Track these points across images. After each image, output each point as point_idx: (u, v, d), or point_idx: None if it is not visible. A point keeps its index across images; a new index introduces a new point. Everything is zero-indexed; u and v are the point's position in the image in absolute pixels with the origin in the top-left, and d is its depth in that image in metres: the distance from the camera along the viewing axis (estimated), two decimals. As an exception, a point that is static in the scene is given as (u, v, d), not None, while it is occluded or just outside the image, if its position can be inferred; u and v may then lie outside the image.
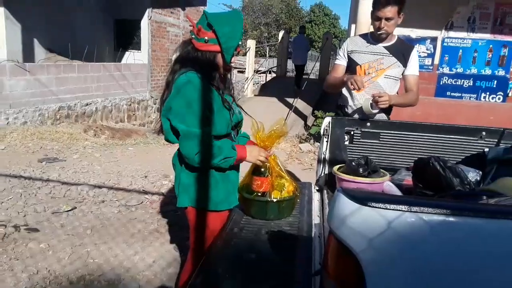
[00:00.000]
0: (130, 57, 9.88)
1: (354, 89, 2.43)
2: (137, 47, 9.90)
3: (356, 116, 2.66)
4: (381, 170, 2.18)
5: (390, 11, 2.44)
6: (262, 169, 1.84)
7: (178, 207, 1.81)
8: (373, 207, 0.94)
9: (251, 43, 12.56)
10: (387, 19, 2.46)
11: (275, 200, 1.83)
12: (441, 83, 6.50)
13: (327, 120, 2.53)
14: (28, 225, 3.13)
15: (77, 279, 2.49)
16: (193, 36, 1.70)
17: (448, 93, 6.51)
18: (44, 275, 2.49)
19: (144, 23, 9.67)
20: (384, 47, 2.60)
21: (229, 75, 1.88)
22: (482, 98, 6.49)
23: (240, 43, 1.72)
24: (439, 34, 6.40)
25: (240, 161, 1.78)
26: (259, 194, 1.83)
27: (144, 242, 3.01)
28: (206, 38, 1.66)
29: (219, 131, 1.71)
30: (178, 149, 1.79)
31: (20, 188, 3.87)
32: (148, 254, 2.84)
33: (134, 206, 3.68)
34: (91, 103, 7.94)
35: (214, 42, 1.67)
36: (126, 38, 9.93)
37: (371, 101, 2.47)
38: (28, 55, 7.79)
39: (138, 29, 9.73)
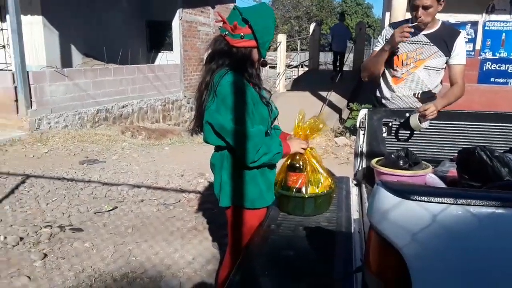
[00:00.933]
0: (163, 58, 10.07)
1: (405, 37, 2.28)
2: (169, 47, 10.08)
3: (393, 106, 2.56)
4: (423, 162, 2.09)
5: None
6: (298, 165, 1.81)
7: (221, 206, 1.82)
8: (416, 200, 0.90)
9: (281, 38, 12.46)
10: (425, 7, 2.28)
11: (311, 195, 1.80)
12: (484, 69, 6.19)
13: (363, 112, 2.46)
14: (72, 225, 3.25)
15: (120, 276, 2.56)
16: (226, 33, 1.67)
17: (492, 79, 6.19)
18: (89, 273, 2.58)
19: (175, 23, 9.83)
20: (425, 35, 2.42)
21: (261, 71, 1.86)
22: (529, 83, 6.13)
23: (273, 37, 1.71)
24: (480, 18, 6.09)
25: (285, 156, 1.76)
26: (295, 190, 1.81)
27: (183, 239, 3.06)
28: (242, 34, 1.63)
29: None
30: (218, 150, 1.79)
31: (64, 189, 4.03)
32: (188, 251, 2.88)
33: (172, 204, 3.75)
34: (127, 105, 8.17)
35: (250, 37, 1.64)
36: (158, 39, 10.14)
37: (418, 116, 2.29)
38: (66, 61, 8.11)
39: (170, 29, 9.91)
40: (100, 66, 7.95)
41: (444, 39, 2.41)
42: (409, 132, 2.41)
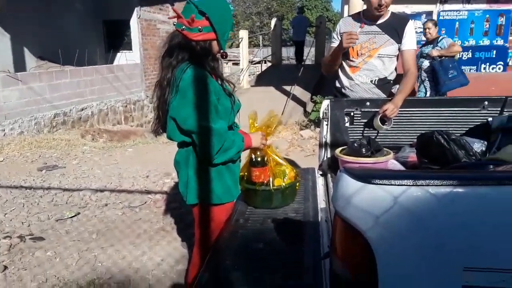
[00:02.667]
0: (122, 58, 9.80)
1: (351, 42, 2.37)
2: (128, 47, 9.82)
3: (354, 94, 2.62)
4: (385, 149, 2.14)
5: None
6: (259, 159, 1.80)
7: (188, 204, 1.78)
8: (378, 184, 0.92)
9: (243, 34, 12.42)
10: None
11: (278, 188, 1.80)
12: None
13: (326, 103, 2.49)
14: (33, 234, 3.10)
15: (86, 284, 2.47)
16: (183, 27, 1.63)
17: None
18: (53, 282, 2.48)
19: (134, 22, 9.58)
20: (377, 25, 2.53)
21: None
22: (482, 69, 6.42)
23: (232, 25, 1.69)
24: (435, 8, 6.33)
25: (246, 149, 1.75)
26: (261, 184, 1.80)
27: (151, 241, 2.99)
28: (200, 27, 1.60)
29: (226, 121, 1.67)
30: (182, 146, 1.75)
31: (22, 198, 3.84)
32: (156, 253, 2.82)
33: (138, 206, 3.66)
34: (86, 108, 7.90)
35: (209, 30, 1.62)
36: (117, 39, 9.85)
37: (379, 117, 2.37)
38: (20, 65, 7.74)
39: (128, 28, 9.65)
40: (56, 69, 7.63)
41: (395, 27, 2.52)
42: (370, 120, 2.47)
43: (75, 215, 3.45)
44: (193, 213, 1.83)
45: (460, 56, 6.33)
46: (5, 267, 2.61)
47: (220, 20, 1.63)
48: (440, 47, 5.00)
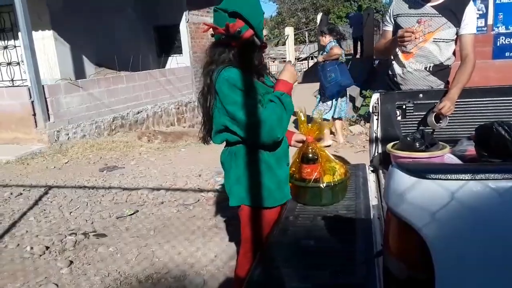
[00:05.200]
0: (173, 61, 10.12)
1: (405, 43, 2.28)
2: (179, 50, 10.12)
3: (407, 87, 2.51)
4: (440, 142, 2.05)
5: None
6: (311, 155, 1.79)
7: (230, 206, 1.79)
8: (432, 178, 0.88)
9: (289, 31, 12.40)
10: None
11: (328, 184, 1.78)
12: (498, 44, 6.00)
13: (375, 96, 2.42)
14: (96, 231, 3.31)
15: (145, 278, 2.59)
16: (222, 37, 1.65)
17: (507, 53, 6.00)
18: (115, 276, 2.62)
19: (183, 26, 9.86)
20: (433, 6, 2.36)
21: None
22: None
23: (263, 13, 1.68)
24: (491, -10, 5.91)
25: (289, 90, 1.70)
26: (311, 181, 1.79)
27: (204, 238, 3.08)
28: (238, 29, 1.60)
29: None
30: (226, 145, 1.79)
31: (86, 197, 4.10)
32: (210, 249, 2.90)
33: (192, 204, 3.77)
34: (142, 111, 8.25)
35: (246, 28, 1.62)
36: (168, 43, 10.18)
37: (434, 115, 2.27)
38: (80, 72, 8.23)
39: (178, 33, 9.94)
40: (113, 75, 8.04)
41: (452, 10, 2.33)
42: (423, 114, 2.37)
43: (134, 213, 3.63)
44: (239, 214, 1.83)
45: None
46: (71, 262, 2.81)
47: (252, 12, 1.61)
48: (326, 52, 5.34)
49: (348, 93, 5.82)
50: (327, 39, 5.40)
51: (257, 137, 1.60)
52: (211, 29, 1.68)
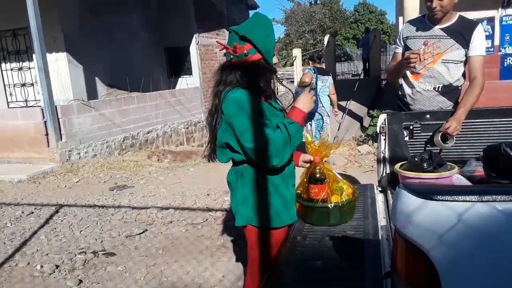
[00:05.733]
0: (183, 82, 10.30)
1: (411, 64, 2.30)
2: (189, 72, 10.30)
3: (416, 107, 2.53)
4: (448, 163, 2.05)
5: None
6: (318, 176, 1.80)
7: (236, 226, 1.79)
8: (440, 200, 0.89)
9: (297, 52, 12.56)
10: None
11: (336, 204, 1.79)
12: (505, 65, 6.04)
13: (383, 117, 2.45)
14: (105, 250, 3.32)
15: (153, 298, 2.59)
16: (231, 57, 1.69)
17: (515, 74, 6.02)
18: (124, 296, 2.63)
19: (193, 48, 10.07)
20: (441, 28, 2.40)
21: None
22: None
23: (276, 41, 1.71)
24: (496, 13, 5.97)
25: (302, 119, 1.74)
26: (318, 201, 1.80)
27: (212, 258, 3.08)
28: (245, 51, 1.65)
29: None
30: (232, 165, 1.82)
31: (96, 216, 4.13)
32: (218, 269, 2.89)
33: (200, 223, 3.78)
34: (152, 130, 8.35)
35: (254, 52, 1.66)
36: (178, 65, 10.38)
37: (441, 135, 2.28)
38: (92, 93, 8.40)
39: (188, 54, 10.14)
40: (124, 95, 8.19)
41: (461, 32, 2.37)
42: (431, 133, 2.38)
43: (143, 232, 3.64)
44: (245, 234, 1.83)
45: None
46: (80, 281, 2.82)
47: (262, 39, 1.66)
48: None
49: (324, 116, 5.97)
50: (310, 66, 5.98)
51: (257, 159, 1.63)
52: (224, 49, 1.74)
